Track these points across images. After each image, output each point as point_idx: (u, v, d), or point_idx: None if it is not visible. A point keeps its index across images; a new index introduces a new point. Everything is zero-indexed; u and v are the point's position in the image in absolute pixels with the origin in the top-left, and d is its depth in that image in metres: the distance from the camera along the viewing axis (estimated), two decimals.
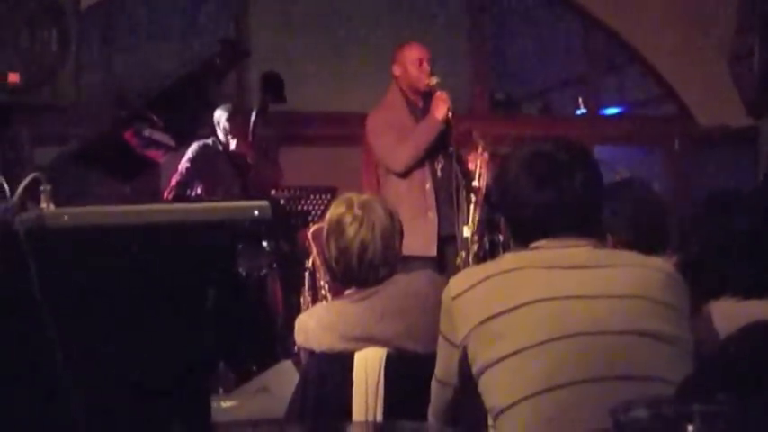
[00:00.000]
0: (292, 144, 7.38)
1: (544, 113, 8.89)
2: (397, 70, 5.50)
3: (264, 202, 2.13)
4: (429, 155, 5.33)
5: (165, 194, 6.25)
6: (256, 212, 2.12)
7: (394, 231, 3.13)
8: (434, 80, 5.35)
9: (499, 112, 8.44)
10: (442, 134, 5.28)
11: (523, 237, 2.32)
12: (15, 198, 2.03)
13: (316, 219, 6.11)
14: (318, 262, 5.46)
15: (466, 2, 8.36)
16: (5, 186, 2.28)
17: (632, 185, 3.23)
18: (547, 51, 8.74)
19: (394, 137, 5.33)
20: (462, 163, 5.43)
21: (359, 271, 3.06)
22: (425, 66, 5.42)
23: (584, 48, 8.74)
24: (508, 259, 2.31)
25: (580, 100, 8.76)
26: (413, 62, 5.43)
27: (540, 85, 8.98)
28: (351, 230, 3.06)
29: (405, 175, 5.34)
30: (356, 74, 7.55)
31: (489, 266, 2.33)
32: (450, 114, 5.24)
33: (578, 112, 8.79)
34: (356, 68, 7.60)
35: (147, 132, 6.15)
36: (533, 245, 2.29)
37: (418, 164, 5.33)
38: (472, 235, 5.33)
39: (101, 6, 6.99)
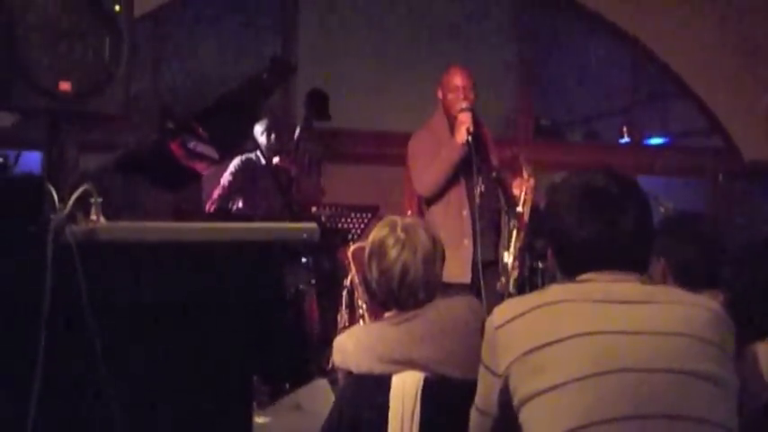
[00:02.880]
0: (336, 161, 7.39)
1: (588, 141, 8.86)
2: (439, 94, 5.51)
3: (313, 225, 2.12)
4: (466, 179, 5.31)
5: (207, 206, 6.27)
6: (305, 235, 2.11)
7: (436, 256, 3.12)
8: (463, 104, 5.31)
9: (543, 138, 8.42)
10: (468, 158, 5.24)
11: (571, 269, 2.30)
12: (66, 209, 2.03)
13: (356, 237, 6.11)
14: (357, 281, 5.45)
15: (514, 28, 8.36)
16: (55, 195, 2.28)
17: (696, 220, 3.18)
18: (594, 79, 8.71)
19: (425, 161, 5.33)
20: (506, 187, 5.41)
21: (399, 294, 3.05)
22: (465, 92, 5.39)
23: (631, 76, 8.71)
24: (554, 291, 2.28)
25: (624, 129, 8.73)
26: (452, 87, 5.42)
27: (586, 112, 8.95)
28: (393, 253, 3.05)
29: (440, 199, 5.33)
30: (403, 94, 7.57)
31: (534, 297, 2.30)
32: (469, 137, 5.20)
33: (622, 141, 8.75)
34: (403, 89, 7.62)
35: (192, 144, 6.19)
36: (580, 277, 2.27)
37: (455, 189, 5.31)
38: (513, 261, 5.29)
39: (151, 17, 7.04)
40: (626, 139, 8.77)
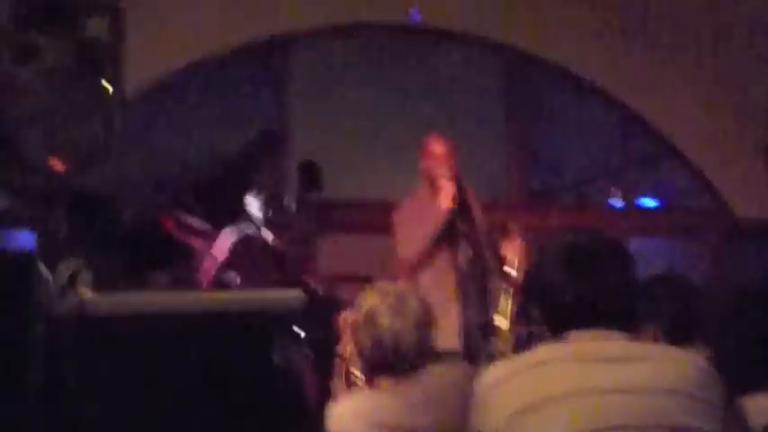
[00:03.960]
0: (329, 231, 7.41)
1: (580, 204, 8.89)
2: (421, 162, 5.54)
3: (299, 293, 2.14)
4: (452, 246, 5.32)
5: (202, 279, 6.28)
6: (293, 303, 2.14)
7: (428, 322, 3.14)
8: (445, 172, 5.34)
9: (534, 201, 8.45)
10: (454, 224, 5.27)
11: (557, 327, 2.32)
12: (57, 285, 2.06)
13: (350, 306, 6.10)
14: (350, 349, 5.44)
15: (503, 92, 8.44)
16: (47, 272, 2.31)
17: (671, 279, 3.23)
18: (583, 142, 8.76)
19: (410, 229, 5.35)
20: (495, 249, 5.42)
21: (393, 361, 3.06)
22: (445, 159, 5.43)
23: (621, 139, 8.77)
24: (542, 351, 2.30)
25: (616, 191, 8.76)
26: (432, 155, 5.46)
27: (577, 175, 8.99)
28: (385, 321, 3.07)
29: (427, 267, 5.33)
30: (395, 161, 7.60)
31: (523, 358, 2.32)
32: (455, 204, 5.23)
33: (614, 204, 8.78)
34: (395, 156, 7.65)
35: (185, 219, 6.24)
36: (568, 336, 2.29)
37: (441, 255, 5.33)
38: (509, 325, 5.29)
39: (143, 92, 7.11)
40: (618, 202, 8.80)
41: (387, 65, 8.07)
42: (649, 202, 8.96)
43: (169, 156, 7.33)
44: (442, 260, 5.34)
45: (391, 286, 3.22)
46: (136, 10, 6.15)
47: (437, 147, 5.49)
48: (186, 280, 6.09)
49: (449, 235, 5.30)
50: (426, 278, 5.33)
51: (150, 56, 6.75)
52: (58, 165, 3.60)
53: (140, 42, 6.78)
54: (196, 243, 6.15)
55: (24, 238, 3.07)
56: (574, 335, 2.28)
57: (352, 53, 8.02)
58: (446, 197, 5.26)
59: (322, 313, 6.10)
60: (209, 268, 6.33)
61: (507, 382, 2.24)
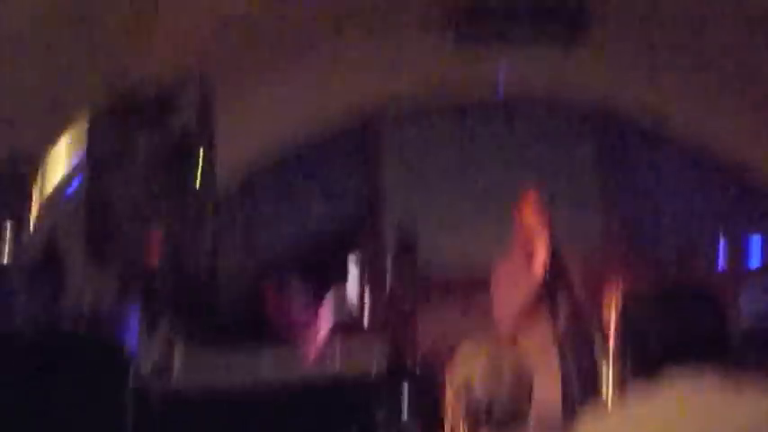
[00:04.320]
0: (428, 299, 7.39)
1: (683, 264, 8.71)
2: (516, 221, 5.55)
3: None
4: (547, 308, 5.30)
5: (309, 351, 6.30)
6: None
7: (524, 386, 3.13)
8: (539, 234, 5.33)
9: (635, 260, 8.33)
10: (546, 288, 5.24)
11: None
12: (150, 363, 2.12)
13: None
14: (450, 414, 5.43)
15: (596, 155, 8.42)
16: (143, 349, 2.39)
17: None
18: (683, 206, 8.60)
19: (506, 293, 5.35)
20: (594, 310, 5.38)
21: (490, 427, 3.06)
22: (540, 219, 5.43)
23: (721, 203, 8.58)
24: None
25: (721, 256, 8.56)
26: (528, 217, 5.47)
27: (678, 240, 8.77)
28: (479, 390, 3.07)
29: (525, 328, 5.32)
30: (491, 227, 7.57)
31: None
32: (546, 269, 5.21)
33: (720, 268, 8.58)
34: (491, 222, 7.62)
35: (286, 289, 6.32)
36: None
37: (538, 318, 5.31)
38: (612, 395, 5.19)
39: (244, 186, 7.28)
40: (724, 267, 8.58)
41: (479, 139, 8.13)
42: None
43: (272, 235, 7.44)
44: (541, 322, 5.32)
45: (488, 350, 3.22)
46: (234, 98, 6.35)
47: (533, 208, 5.50)
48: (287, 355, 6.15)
49: (545, 297, 5.28)
50: (525, 340, 5.30)
51: (245, 139, 6.92)
52: (157, 239, 3.72)
53: (235, 128, 7.04)
54: (300, 318, 6.23)
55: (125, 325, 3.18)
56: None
57: (443, 129, 8.10)
58: (539, 264, 5.26)
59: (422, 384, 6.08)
60: (315, 338, 6.36)
61: None
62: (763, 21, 7.03)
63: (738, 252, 8.55)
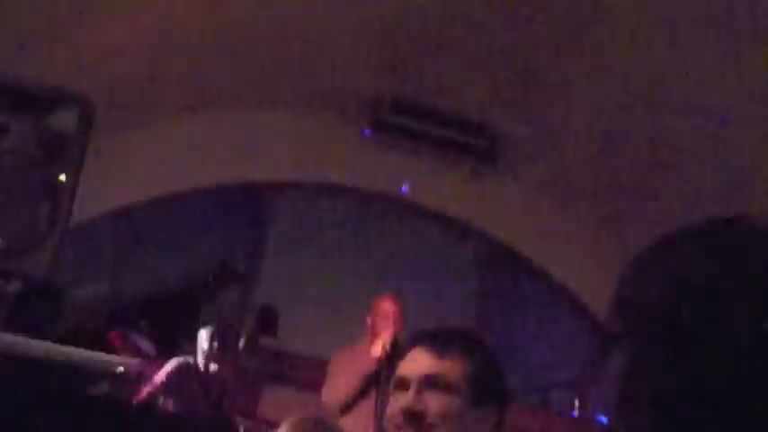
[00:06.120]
0: (278, 382, 7.31)
1: (540, 408, 8.77)
2: (368, 320, 5.56)
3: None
4: (377, 395, 5.25)
5: (134, 401, 6.15)
6: (120, 368, 2.09)
7: None
8: (389, 327, 5.33)
9: None
10: (380, 373, 5.21)
11: None
12: None
13: None
14: None
15: (473, 286, 8.48)
16: None
17: None
18: (551, 346, 8.72)
19: (339, 376, 5.32)
20: None
21: None
22: (394, 317, 5.44)
23: (587, 349, 8.71)
24: None
25: (576, 401, 8.65)
26: (381, 313, 5.48)
27: (540, 379, 8.90)
28: None
29: (350, 412, 5.26)
30: (356, 324, 7.57)
31: None
32: (385, 354, 5.20)
33: (574, 413, 8.65)
34: (357, 319, 7.62)
35: (133, 338, 6.17)
36: None
37: (365, 403, 5.26)
38: None
39: (113, 216, 7.16)
40: (578, 411, 8.66)
41: (367, 230, 8.14)
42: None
43: (134, 276, 7.33)
44: (367, 407, 5.27)
45: (307, 423, 3.16)
46: (115, 136, 6.30)
47: (385, 305, 5.52)
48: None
49: (377, 384, 5.24)
50: (349, 422, 5.24)
51: (136, 177, 6.85)
52: None
53: (126, 163, 6.97)
54: (139, 365, 6.07)
55: None
56: None
57: (336, 212, 8.10)
58: (377, 346, 5.26)
59: None
60: (144, 390, 6.22)
61: None
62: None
63: (594, 402, 8.63)
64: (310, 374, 7.53)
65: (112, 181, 6.45)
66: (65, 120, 3.96)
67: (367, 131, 7.83)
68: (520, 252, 8.55)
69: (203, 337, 6.40)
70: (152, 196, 7.35)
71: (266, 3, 6.64)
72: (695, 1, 6.07)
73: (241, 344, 6.39)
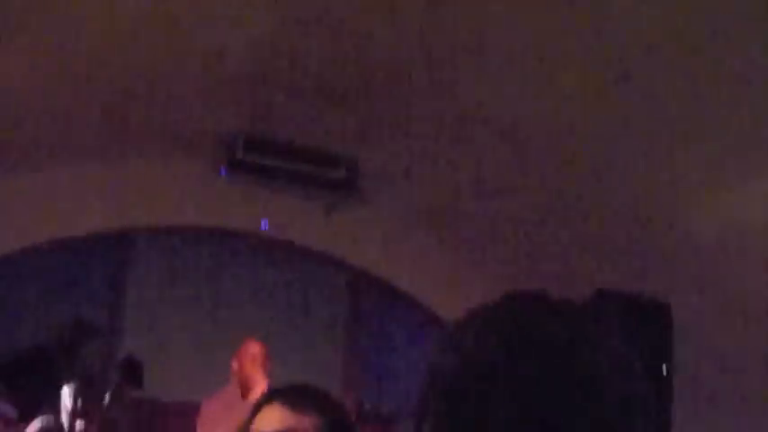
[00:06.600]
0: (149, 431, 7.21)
1: None
2: (235, 364, 5.53)
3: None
4: None
5: None
6: None
7: None
8: (260, 371, 5.32)
9: (366, 423, 8.38)
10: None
11: None
12: None
13: None
14: None
15: (345, 310, 8.52)
16: None
17: None
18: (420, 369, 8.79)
19: (212, 423, 5.29)
20: None
21: None
22: (261, 359, 5.44)
23: None
24: None
25: None
26: (249, 356, 5.47)
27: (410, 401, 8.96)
28: None
29: None
30: (222, 368, 7.53)
31: None
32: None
33: None
34: (225, 362, 7.58)
35: None
36: None
37: None
38: None
39: None
40: None
41: (232, 270, 8.10)
42: None
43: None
44: None
45: None
46: None
47: (253, 348, 5.50)
48: None
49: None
50: None
51: None
52: None
53: None
54: None
55: None
56: None
57: (197, 255, 8.04)
58: (258, 390, 5.22)
59: None
60: None
61: None
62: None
63: None
64: (182, 420, 7.45)
65: None
66: None
67: (224, 171, 7.77)
68: (385, 279, 8.61)
69: (66, 394, 6.26)
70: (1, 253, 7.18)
71: (115, 47, 6.54)
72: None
73: (107, 398, 6.27)
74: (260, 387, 5.27)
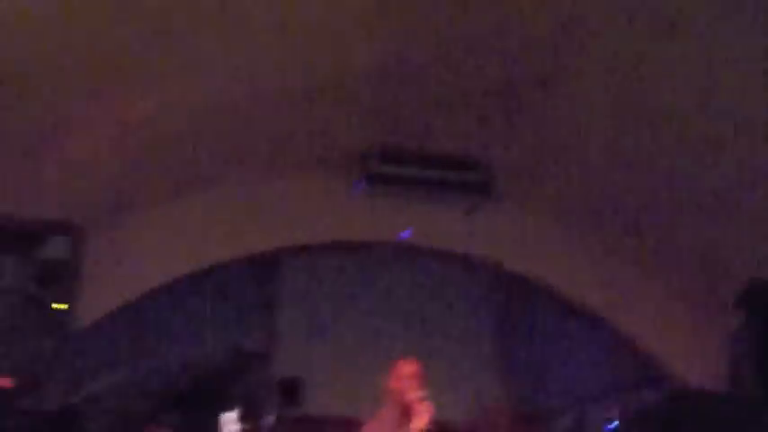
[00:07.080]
0: None
1: (576, 427, 8.74)
2: (389, 384, 5.52)
3: None
4: None
5: None
6: None
7: None
8: (419, 393, 5.31)
9: (525, 425, 8.34)
10: None
11: None
12: None
13: None
14: None
15: (493, 312, 8.48)
16: None
17: None
18: (576, 364, 8.71)
19: None
20: None
21: None
22: (417, 381, 5.41)
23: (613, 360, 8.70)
24: None
25: (612, 414, 8.61)
26: (403, 377, 5.44)
27: (570, 398, 8.88)
28: None
29: None
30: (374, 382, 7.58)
31: None
32: (428, 426, 5.17)
33: (610, 427, 8.61)
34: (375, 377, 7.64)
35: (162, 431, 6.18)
36: None
37: None
38: None
39: (129, 307, 7.17)
40: (615, 424, 8.62)
41: (379, 283, 8.17)
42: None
43: (155, 367, 7.32)
44: None
45: None
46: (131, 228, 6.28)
47: (408, 368, 5.48)
48: None
49: None
50: None
51: (139, 269, 6.88)
52: (6, 383, 3.63)
53: (121, 257, 6.98)
54: None
55: None
56: None
57: (343, 269, 8.13)
58: (421, 419, 5.19)
59: None
60: None
61: None
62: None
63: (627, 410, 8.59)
64: None
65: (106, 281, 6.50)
66: (57, 248, 4.02)
67: (360, 185, 7.85)
68: (532, 276, 8.55)
69: (230, 419, 6.41)
70: (150, 286, 7.36)
71: (245, 72, 6.66)
72: None
73: (270, 421, 6.39)
74: (423, 417, 5.24)
